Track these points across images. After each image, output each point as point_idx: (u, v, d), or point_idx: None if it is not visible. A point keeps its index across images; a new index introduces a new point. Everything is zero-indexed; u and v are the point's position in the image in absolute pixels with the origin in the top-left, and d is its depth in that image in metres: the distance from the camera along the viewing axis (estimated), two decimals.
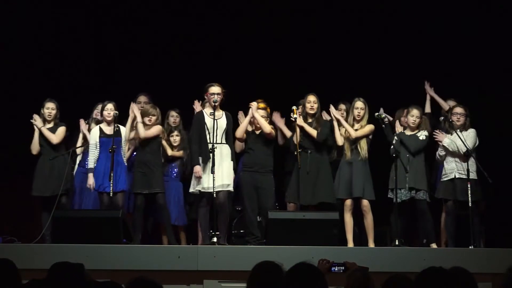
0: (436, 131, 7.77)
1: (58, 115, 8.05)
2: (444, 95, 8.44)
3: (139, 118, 7.84)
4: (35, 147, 7.97)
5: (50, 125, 8.02)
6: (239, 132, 7.88)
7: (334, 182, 7.78)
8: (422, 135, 7.82)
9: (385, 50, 9.61)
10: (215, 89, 7.56)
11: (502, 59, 9.20)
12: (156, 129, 7.85)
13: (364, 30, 9.76)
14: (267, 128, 7.83)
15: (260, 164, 7.80)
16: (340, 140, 7.80)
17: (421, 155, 7.81)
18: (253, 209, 7.74)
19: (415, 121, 7.84)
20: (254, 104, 7.85)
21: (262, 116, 7.88)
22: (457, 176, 7.62)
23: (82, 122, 8.12)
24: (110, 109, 7.80)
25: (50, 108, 8.01)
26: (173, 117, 8.40)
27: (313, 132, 7.79)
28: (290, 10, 9.80)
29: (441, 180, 7.76)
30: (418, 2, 9.55)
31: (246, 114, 7.96)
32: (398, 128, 8.00)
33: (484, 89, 9.02)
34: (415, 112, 7.86)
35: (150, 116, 7.88)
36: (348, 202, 7.70)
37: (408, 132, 7.89)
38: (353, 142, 7.75)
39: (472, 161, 7.54)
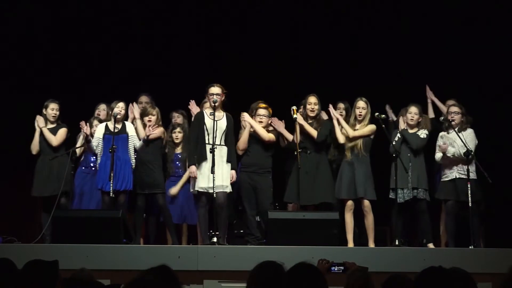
0: (440, 144, 7.72)
1: (59, 116, 8.05)
2: (444, 95, 8.44)
3: (138, 118, 7.88)
4: (35, 147, 7.95)
5: (52, 125, 8.01)
6: (242, 144, 7.87)
7: (336, 182, 7.77)
8: (423, 133, 7.82)
9: (386, 50, 9.61)
10: (215, 89, 7.53)
11: (502, 58, 9.21)
12: (158, 131, 7.90)
13: (364, 29, 9.76)
14: (266, 136, 7.84)
15: (258, 165, 7.80)
16: (341, 139, 7.77)
17: (422, 154, 7.81)
18: (251, 209, 7.76)
19: (413, 117, 7.82)
20: (245, 115, 7.84)
21: (264, 116, 7.87)
22: (457, 176, 7.62)
23: (83, 125, 7.88)
24: (121, 107, 7.79)
25: (55, 109, 7.99)
26: (174, 117, 8.40)
27: (313, 132, 7.79)
28: (292, 10, 9.80)
29: (442, 180, 7.76)
30: (419, 2, 9.57)
31: (250, 115, 7.97)
32: (402, 126, 7.95)
33: (484, 88, 9.02)
34: (413, 109, 7.85)
35: (150, 116, 7.91)
36: (350, 202, 7.69)
37: (409, 130, 7.88)
38: (352, 142, 7.74)
39: (472, 161, 7.53)
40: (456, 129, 7.68)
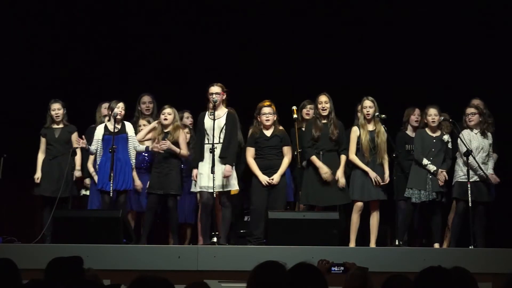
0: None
1: (65, 115, 8.02)
2: (445, 95, 8.45)
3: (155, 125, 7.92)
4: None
5: (59, 126, 8.00)
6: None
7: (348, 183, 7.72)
8: (449, 143, 7.82)
9: (386, 50, 9.60)
10: (214, 88, 7.54)
11: (502, 58, 9.21)
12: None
13: (365, 29, 9.76)
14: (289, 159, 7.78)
15: (274, 168, 7.66)
16: (351, 157, 7.68)
17: None
18: (260, 211, 7.62)
19: (434, 119, 7.77)
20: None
21: (269, 114, 7.75)
22: (477, 179, 7.61)
23: (78, 139, 7.69)
24: (121, 108, 7.75)
25: (56, 109, 7.97)
26: (189, 117, 8.42)
27: (343, 159, 7.67)
28: (293, 10, 9.80)
29: (458, 180, 7.68)
30: (422, 4, 9.57)
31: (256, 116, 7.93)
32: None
33: (485, 88, 9.01)
34: (432, 111, 7.78)
35: (166, 115, 7.85)
36: (360, 204, 7.64)
37: (430, 133, 7.83)
38: (373, 145, 7.65)
39: (472, 161, 7.52)
40: (478, 131, 7.69)
